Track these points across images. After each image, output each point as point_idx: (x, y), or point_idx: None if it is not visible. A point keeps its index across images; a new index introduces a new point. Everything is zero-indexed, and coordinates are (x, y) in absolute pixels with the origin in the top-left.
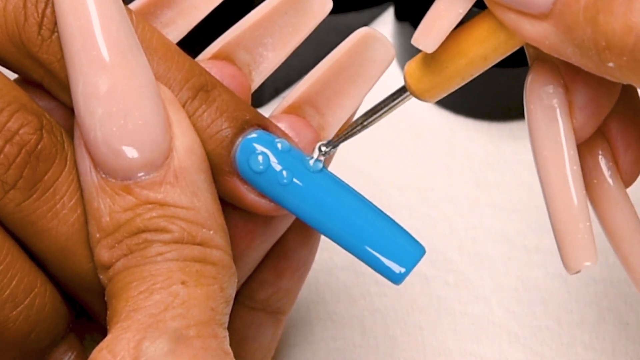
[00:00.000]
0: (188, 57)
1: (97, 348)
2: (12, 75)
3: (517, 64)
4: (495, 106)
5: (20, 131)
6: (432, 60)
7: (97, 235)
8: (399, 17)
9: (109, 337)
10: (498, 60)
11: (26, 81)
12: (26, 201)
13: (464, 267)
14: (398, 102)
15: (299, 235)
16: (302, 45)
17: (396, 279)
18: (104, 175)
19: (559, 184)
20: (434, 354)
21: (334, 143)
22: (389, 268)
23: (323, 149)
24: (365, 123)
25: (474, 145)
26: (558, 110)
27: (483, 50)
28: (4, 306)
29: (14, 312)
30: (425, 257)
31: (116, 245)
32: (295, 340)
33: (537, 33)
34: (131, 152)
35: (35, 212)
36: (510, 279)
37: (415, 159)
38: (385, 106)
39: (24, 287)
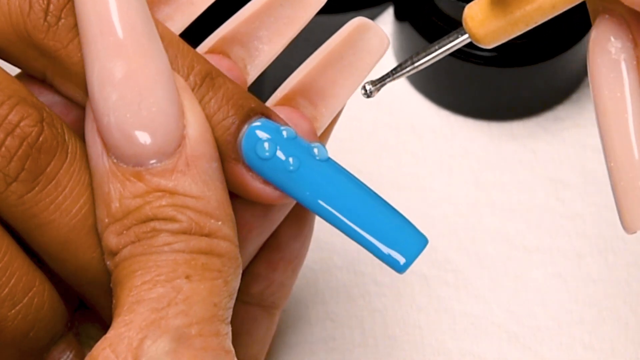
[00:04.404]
0: (191, 47)
1: (101, 345)
2: (13, 72)
3: (517, 63)
4: (495, 106)
5: (21, 124)
6: (497, 3)
7: (106, 220)
8: (399, 17)
9: (111, 333)
10: (565, 9)
11: (26, 76)
12: (29, 194)
13: (463, 266)
14: (455, 45)
15: (291, 228)
16: (301, 44)
17: (400, 267)
18: (115, 160)
19: (621, 140)
20: (433, 354)
21: (381, 81)
22: (393, 257)
23: (368, 87)
24: (416, 64)
25: (474, 145)
26: (625, 65)
27: None
28: (2, 305)
29: (13, 311)
30: (425, 256)
31: (124, 231)
32: (294, 340)
33: None
34: (144, 138)
35: (38, 205)
36: (510, 279)
37: (415, 159)
38: (440, 47)
39: (23, 286)
